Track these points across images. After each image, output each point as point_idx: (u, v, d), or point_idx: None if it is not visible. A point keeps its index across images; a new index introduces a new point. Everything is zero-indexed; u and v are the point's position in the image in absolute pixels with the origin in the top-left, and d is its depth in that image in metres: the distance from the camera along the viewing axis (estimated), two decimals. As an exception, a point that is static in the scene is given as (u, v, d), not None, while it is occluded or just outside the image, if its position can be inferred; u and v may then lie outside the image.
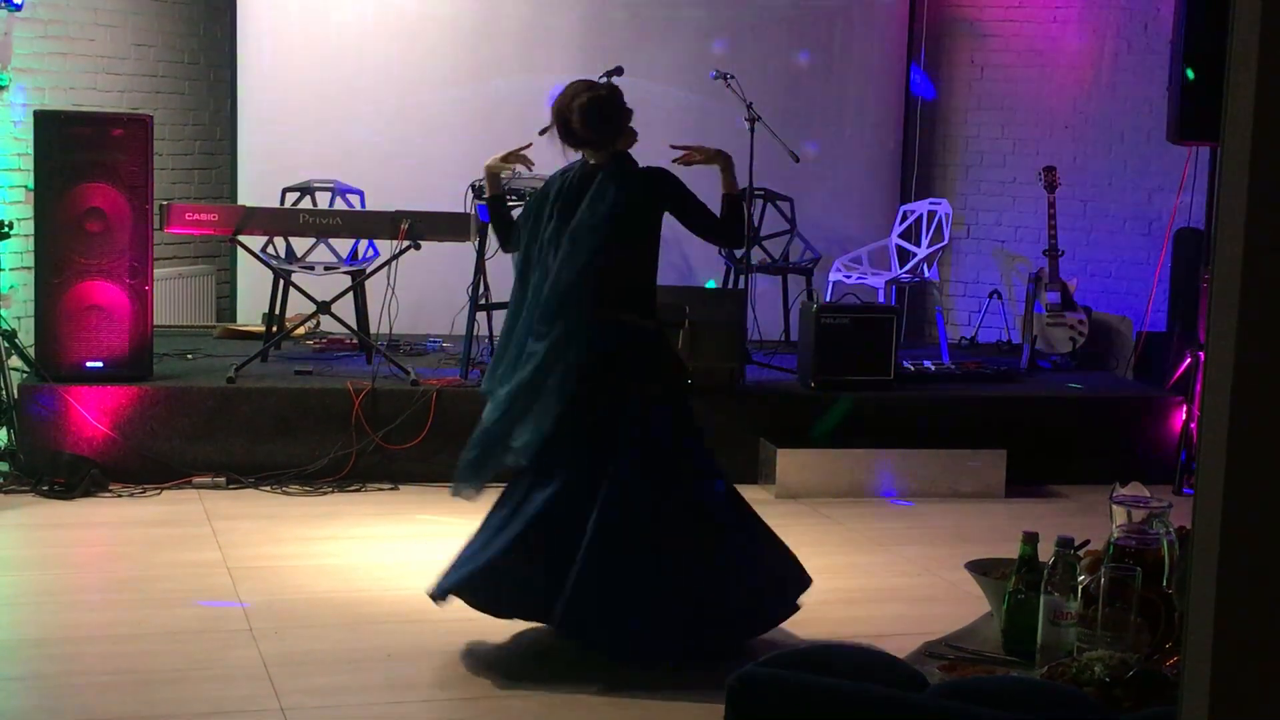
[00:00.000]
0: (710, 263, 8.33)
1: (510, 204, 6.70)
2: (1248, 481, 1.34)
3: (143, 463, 6.32)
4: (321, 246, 7.57)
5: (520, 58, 8.65)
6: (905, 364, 7.36)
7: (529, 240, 4.54)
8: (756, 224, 8.08)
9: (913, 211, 8.55)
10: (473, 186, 6.78)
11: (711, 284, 8.29)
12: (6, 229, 6.62)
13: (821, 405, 6.92)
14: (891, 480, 6.67)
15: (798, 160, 7.57)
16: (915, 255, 8.18)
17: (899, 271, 8.19)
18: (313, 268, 7.46)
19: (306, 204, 7.56)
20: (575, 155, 4.56)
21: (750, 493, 6.53)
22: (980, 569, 3.28)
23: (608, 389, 4.39)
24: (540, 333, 4.40)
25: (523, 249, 4.56)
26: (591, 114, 4.42)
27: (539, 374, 4.37)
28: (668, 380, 4.53)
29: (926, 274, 8.17)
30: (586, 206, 4.40)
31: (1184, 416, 7.02)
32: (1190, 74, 6.86)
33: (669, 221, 4.58)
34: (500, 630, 4.45)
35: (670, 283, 7.37)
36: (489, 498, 4.53)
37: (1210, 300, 1.35)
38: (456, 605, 4.46)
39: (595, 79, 4.82)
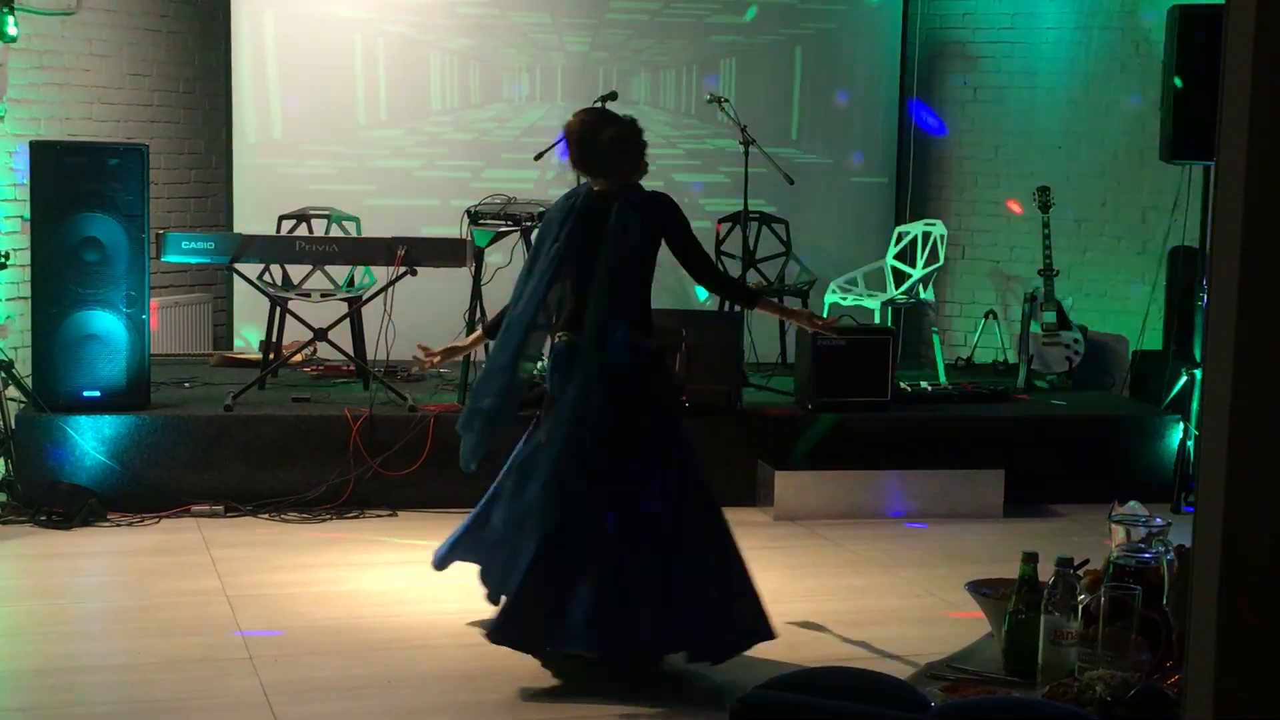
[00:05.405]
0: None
1: (505, 229, 6.77)
2: (1247, 499, 1.34)
3: (141, 492, 6.32)
4: (318, 274, 7.58)
5: (514, 84, 8.68)
6: (902, 385, 7.37)
7: (533, 261, 4.61)
8: (751, 247, 8.09)
9: (908, 233, 8.56)
10: (468, 212, 6.78)
11: (701, 292, 8.21)
12: (3, 259, 6.64)
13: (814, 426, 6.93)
14: (896, 500, 6.68)
15: (792, 183, 7.59)
16: (911, 276, 8.19)
17: (895, 293, 8.19)
18: (309, 295, 7.46)
19: (302, 231, 7.56)
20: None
21: (748, 515, 6.58)
22: (980, 589, 3.29)
23: (619, 405, 4.42)
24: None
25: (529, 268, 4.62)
26: (619, 149, 4.50)
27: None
28: (672, 397, 4.60)
29: (922, 295, 8.18)
30: (612, 236, 4.45)
31: (1181, 435, 7.03)
32: (1178, 82, 6.89)
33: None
34: (501, 655, 4.44)
35: (667, 305, 7.38)
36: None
37: (1208, 319, 1.36)
38: (457, 629, 4.45)
39: (591, 104, 4.85)
